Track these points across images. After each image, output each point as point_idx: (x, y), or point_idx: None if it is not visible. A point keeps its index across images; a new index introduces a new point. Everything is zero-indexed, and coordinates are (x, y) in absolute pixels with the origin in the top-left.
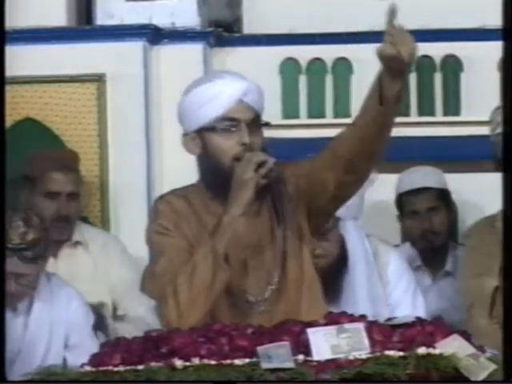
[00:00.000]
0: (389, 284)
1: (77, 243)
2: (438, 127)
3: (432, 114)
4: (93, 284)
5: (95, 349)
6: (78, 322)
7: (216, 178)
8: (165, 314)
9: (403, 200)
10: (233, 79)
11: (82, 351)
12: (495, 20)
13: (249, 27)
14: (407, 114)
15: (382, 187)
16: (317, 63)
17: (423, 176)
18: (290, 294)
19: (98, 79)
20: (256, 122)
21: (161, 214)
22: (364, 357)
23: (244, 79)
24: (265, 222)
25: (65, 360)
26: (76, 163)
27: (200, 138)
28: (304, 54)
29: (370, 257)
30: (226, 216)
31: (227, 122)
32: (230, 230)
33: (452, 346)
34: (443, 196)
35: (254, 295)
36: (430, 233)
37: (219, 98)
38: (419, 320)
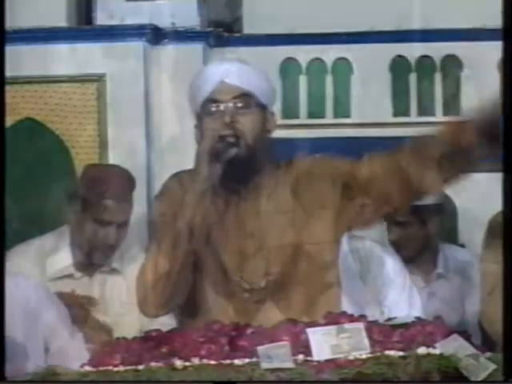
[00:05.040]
0: (385, 285)
1: (113, 270)
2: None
3: (432, 114)
4: (123, 309)
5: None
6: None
7: None
8: (136, 293)
9: None
10: (216, 63)
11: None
12: (495, 20)
13: (249, 27)
14: (407, 114)
15: None
16: (317, 63)
17: None
18: (293, 289)
19: (98, 79)
20: (246, 102)
21: (166, 190)
22: (364, 357)
23: (227, 61)
24: (263, 209)
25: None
26: (131, 191)
27: (199, 125)
28: (304, 54)
29: (352, 264)
30: (187, 194)
31: (210, 104)
32: (191, 208)
33: (452, 346)
34: (421, 212)
35: (249, 283)
36: (394, 244)
37: (203, 83)
38: (419, 320)
